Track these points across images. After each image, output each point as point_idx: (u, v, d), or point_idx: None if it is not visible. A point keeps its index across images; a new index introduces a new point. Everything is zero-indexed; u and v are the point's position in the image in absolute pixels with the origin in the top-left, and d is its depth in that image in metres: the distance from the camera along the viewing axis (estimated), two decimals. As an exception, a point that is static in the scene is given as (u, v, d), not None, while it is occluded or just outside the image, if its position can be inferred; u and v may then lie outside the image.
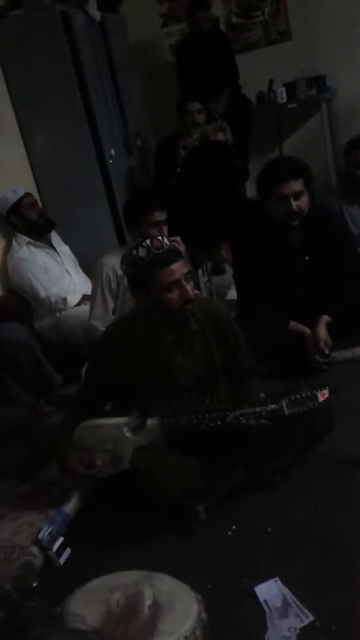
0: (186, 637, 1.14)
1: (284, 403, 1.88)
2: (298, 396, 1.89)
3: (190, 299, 1.94)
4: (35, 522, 2.06)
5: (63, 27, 3.75)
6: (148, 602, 1.19)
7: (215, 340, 2.06)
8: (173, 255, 1.94)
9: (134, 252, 1.93)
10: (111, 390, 2.12)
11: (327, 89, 4.92)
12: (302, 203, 2.72)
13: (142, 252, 1.92)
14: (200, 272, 3.94)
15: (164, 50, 5.27)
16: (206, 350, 2.06)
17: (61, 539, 1.97)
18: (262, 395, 1.95)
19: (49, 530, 1.97)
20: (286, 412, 1.88)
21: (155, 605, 1.15)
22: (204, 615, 1.24)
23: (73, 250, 3.77)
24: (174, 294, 1.92)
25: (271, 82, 4.93)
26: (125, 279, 2.81)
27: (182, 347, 2.04)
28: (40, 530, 1.97)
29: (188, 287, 1.93)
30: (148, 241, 1.93)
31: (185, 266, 1.96)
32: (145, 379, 2.01)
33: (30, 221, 3.44)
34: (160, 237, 1.97)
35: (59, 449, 2.06)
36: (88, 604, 1.22)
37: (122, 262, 2.02)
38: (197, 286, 2.81)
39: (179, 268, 1.92)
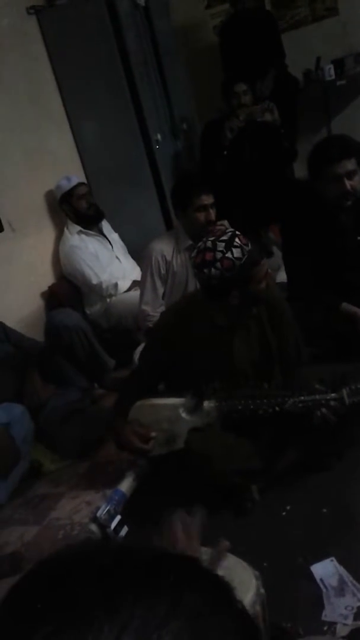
0: (246, 611, 1.16)
1: (344, 392, 1.87)
2: (359, 386, 1.88)
3: (272, 283, 1.98)
4: (93, 500, 2.13)
5: (108, 14, 3.76)
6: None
7: (271, 324, 2.07)
8: (261, 249, 1.96)
9: (229, 254, 1.85)
10: (166, 372, 2.15)
11: (376, 64, 4.78)
12: (355, 183, 2.66)
13: (237, 252, 1.85)
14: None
15: (208, 31, 5.21)
16: (262, 336, 2.06)
17: (118, 517, 2.02)
18: (317, 386, 1.94)
19: (107, 508, 2.02)
20: (347, 401, 1.87)
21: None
22: (262, 590, 1.26)
23: (121, 236, 3.81)
24: (264, 283, 1.94)
25: (318, 59, 4.82)
26: (174, 264, 2.85)
27: (240, 332, 2.05)
28: (98, 508, 2.03)
29: (271, 272, 1.97)
30: (237, 240, 1.88)
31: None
32: (202, 362, 2.03)
33: (80, 211, 3.49)
34: (239, 234, 1.92)
35: (115, 425, 2.10)
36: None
37: (211, 266, 1.87)
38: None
39: (265, 260, 1.94)
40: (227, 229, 1.95)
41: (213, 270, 1.86)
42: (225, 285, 1.89)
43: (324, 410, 1.86)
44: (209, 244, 1.88)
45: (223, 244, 1.86)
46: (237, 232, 1.91)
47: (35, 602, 0.41)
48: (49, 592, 0.41)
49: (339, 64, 4.79)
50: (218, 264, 1.85)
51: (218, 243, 1.87)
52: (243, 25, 4.55)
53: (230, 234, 1.89)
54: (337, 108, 5.07)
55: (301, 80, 4.87)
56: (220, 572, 1.19)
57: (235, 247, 1.85)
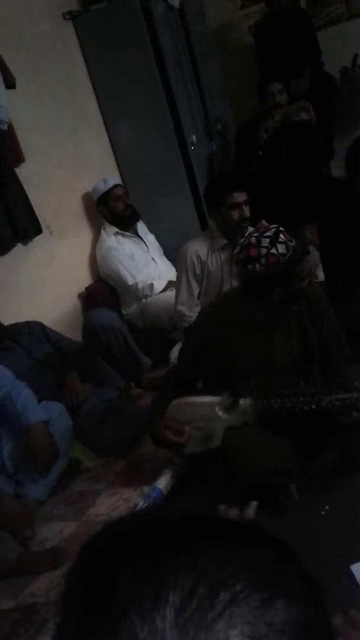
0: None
1: None
2: None
3: (314, 280, 1.96)
4: (131, 497, 2.14)
5: (143, 17, 3.79)
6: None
7: (312, 322, 2.05)
8: (304, 246, 1.94)
9: (274, 250, 1.82)
10: (204, 371, 2.15)
11: None
12: (395, 180, 2.63)
13: (282, 249, 1.82)
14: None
15: (242, 32, 5.20)
16: (303, 333, 2.05)
17: (156, 515, 2.03)
18: (356, 384, 1.92)
19: (145, 505, 2.04)
20: None
21: None
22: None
23: (157, 237, 3.84)
24: (306, 281, 1.96)
25: (355, 56, 4.76)
26: (209, 264, 2.85)
27: (280, 330, 2.04)
28: (136, 505, 2.05)
29: (313, 271, 1.96)
30: (282, 236, 1.85)
31: None
32: (241, 360, 2.02)
33: (116, 213, 3.52)
34: (283, 229, 1.89)
35: (152, 422, 2.12)
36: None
37: (255, 262, 1.84)
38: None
39: (309, 257, 1.92)
40: (270, 225, 1.93)
41: (257, 266, 1.83)
42: (268, 281, 1.85)
43: (356, 413, 1.84)
44: (252, 240, 1.86)
45: (268, 239, 1.83)
46: (281, 228, 1.87)
47: (113, 552, 0.42)
48: (125, 544, 0.42)
49: (376, 61, 4.72)
50: (263, 260, 1.82)
51: (262, 239, 1.84)
52: (278, 25, 4.52)
53: (274, 230, 1.86)
54: (375, 106, 5.00)
55: (338, 78, 4.81)
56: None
57: (280, 243, 1.82)
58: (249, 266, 1.85)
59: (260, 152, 3.88)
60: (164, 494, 2.15)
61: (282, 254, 1.81)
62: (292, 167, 3.81)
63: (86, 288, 3.52)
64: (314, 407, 1.90)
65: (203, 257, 2.87)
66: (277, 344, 2.03)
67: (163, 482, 2.19)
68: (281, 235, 1.84)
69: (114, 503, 2.16)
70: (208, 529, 0.44)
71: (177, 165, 4.01)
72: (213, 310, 2.19)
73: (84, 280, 3.58)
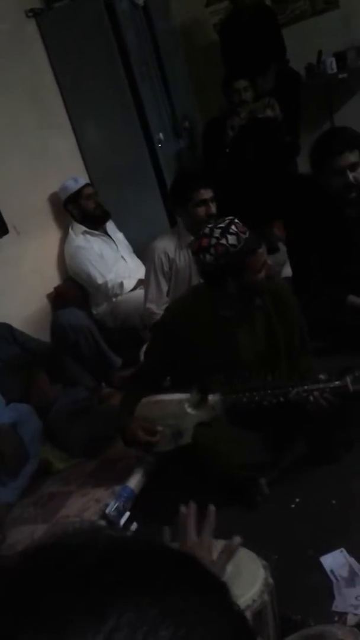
0: (254, 601, 1.16)
1: (348, 380, 1.87)
2: None
3: (273, 274, 1.96)
4: (102, 498, 2.13)
5: (107, 15, 3.77)
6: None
7: (277, 316, 2.06)
8: (257, 238, 1.94)
9: (223, 241, 1.86)
10: (172, 367, 2.15)
11: (378, 57, 4.75)
12: (358, 174, 2.65)
13: (232, 239, 1.86)
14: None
15: (208, 29, 5.21)
16: (268, 327, 2.06)
17: (128, 514, 2.03)
18: (321, 376, 1.93)
19: (116, 505, 2.03)
20: (351, 388, 1.86)
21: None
22: (270, 580, 1.25)
23: (126, 236, 3.82)
24: (263, 274, 1.93)
25: (320, 53, 4.80)
26: (177, 261, 2.85)
27: (245, 324, 2.05)
28: (107, 505, 2.03)
29: (270, 264, 1.97)
30: (234, 227, 1.88)
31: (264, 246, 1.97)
32: (207, 355, 2.03)
33: (87, 212, 3.49)
34: (238, 221, 1.93)
35: (122, 422, 2.11)
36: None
37: (205, 252, 1.90)
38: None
39: (264, 248, 1.94)
40: (227, 218, 1.95)
41: (207, 256, 1.88)
42: (220, 272, 1.90)
43: (324, 398, 1.85)
44: (206, 230, 1.91)
45: (219, 230, 1.88)
46: (235, 220, 1.91)
47: (13, 607, 0.37)
48: (29, 595, 0.38)
49: (340, 57, 4.76)
50: (212, 250, 1.87)
51: (215, 230, 1.89)
52: (243, 22, 4.54)
53: (227, 221, 1.90)
54: (340, 102, 5.05)
55: (303, 74, 4.85)
56: (228, 564, 1.19)
57: (231, 234, 1.86)
58: (201, 256, 1.90)
59: (227, 149, 3.90)
60: (135, 493, 2.14)
61: (232, 245, 1.85)
62: (259, 163, 3.83)
63: (55, 288, 3.49)
64: (282, 399, 1.91)
65: (171, 255, 2.86)
66: (243, 337, 2.04)
67: (134, 481, 2.18)
68: (232, 227, 1.87)
69: (85, 504, 2.14)
70: (127, 573, 0.40)
71: (144, 163, 4.00)
72: (179, 305, 2.19)
73: (53, 280, 3.54)
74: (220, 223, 1.91)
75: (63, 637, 0.35)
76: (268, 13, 4.73)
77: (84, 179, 3.60)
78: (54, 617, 0.36)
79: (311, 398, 1.87)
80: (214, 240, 1.87)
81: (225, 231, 1.87)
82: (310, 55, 4.80)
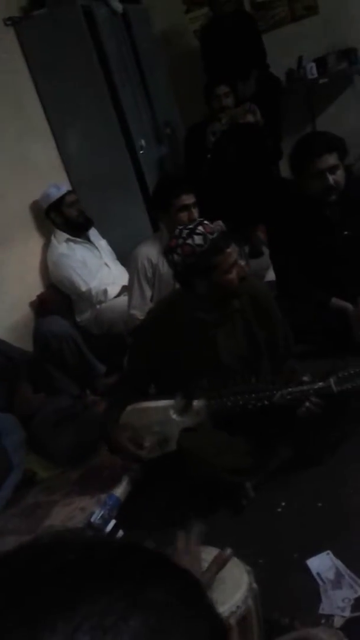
0: (238, 607, 1.15)
1: (331, 381, 1.87)
2: (346, 373, 1.88)
3: (246, 275, 1.98)
4: (88, 506, 2.11)
5: (86, 22, 3.77)
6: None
7: (257, 319, 2.06)
8: (227, 237, 1.94)
9: (190, 241, 1.89)
10: (154, 373, 2.14)
11: (358, 61, 4.80)
12: (338, 177, 2.66)
13: (198, 239, 1.88)
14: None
15: (189, 36, 5.23)
16: (248, 330, 2.06)
17: (113, 522, 2.01)
18: (305, 378, 1.93)
19: (101, 513, 2.00)
20: (334, 389, 1.86)
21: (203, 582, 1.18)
22: (254, 585, 1.24)
23: (110, 242, 3.81)
24: (233, 274, 1.93)
25: (300, 58, 4.85)
26: (160, 267, 2.84)
27: (225, 327, 2.05)
28: (92, 514, 2.01)
29: (242, 264, 1.98)
30: (201, 227, 1.90)
31: (236, 247, 1.99)
32: (188, 360, 2.02)
33: (70, 219, 3.48)
34: (207, 222, 1.96)
35: (107, 431, 2.09)
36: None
37: (173, 252, 1.94)
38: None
39: (234, 249, 1.94)
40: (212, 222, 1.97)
41: (175, 256, 1.92)
42: (188, 272, 1.93)
43: (308, 403, 1.85)
44: (176, 232, 1.95)
45: (187, 231, 1.91)
46: (204, 221, 1.93)
47: None
48: (6, 588, 0.40)
49: (321, 62, 4.82)
50: (179, 250, 1.90)
51: (183, 231, 1.92)
52: (222, 28, 4.57)
53: (196, 222, 1.93)
54: (321, 106, 5.10)
55: (284, 79, 4.89)
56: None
57: (198, 234, 1.88)
58: (169, 256, 1.94)
59: (209, 155, 3.90)
60: (121, 501, 2.12)
61: (198, 245, 1.87)
62: (241, 169, 3.84)
63: (38, 296, 3.46)
64: (266, 402, 1.91)
65: (154, 260, 2.85)
66: (222, 340, 2.04)
67: (120, 489, 2.16)
68: (200, 227, 1.90)
69: (70, 513, 2.12)
70: (100, 568, 0.42)
71: (126, 170, 3.99)
72: (159, 309, 2.20)
73: (35, 288, 3.52)
74: (190, 225, 1.93)
75: (36, 627, 0.37)
76: (248, 19, 4.77)
77: (66, 187, 3.59)
78: (28, 608, 0.38)
79: (304, 408, 1.87)
80: (181, 241, 1.90)
81: (192, 232, 1.90)
82: (291, 60, 4.85)
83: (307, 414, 1.89)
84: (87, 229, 3.58)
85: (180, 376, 2.03)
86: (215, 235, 1.90)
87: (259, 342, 2.06)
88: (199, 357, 2.01)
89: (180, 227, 1.95)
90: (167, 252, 1.96)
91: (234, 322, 2.05)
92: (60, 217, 3.48)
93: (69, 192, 3.54)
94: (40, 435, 2.47)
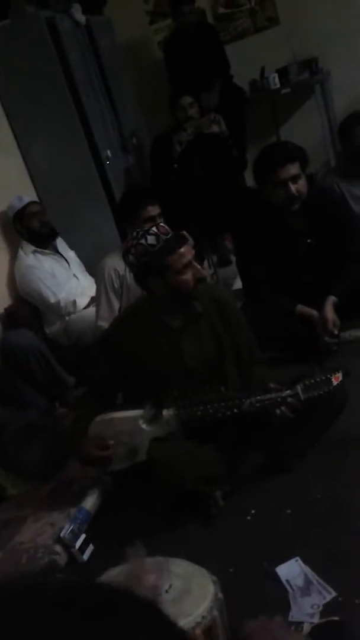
0: (203, 617, 1.16)
1: (299, 388, 1.89)
2: (312, 381, 1.91)
3: (203, 277, 2.01)
4: (57, 521, 2.09)
5: (49, 34, 3.77)
6: (165, 586, 1.20)
7: (222, 323, 2.09)
8: (181, 238, 1.99)
9: (143, 241, 1.95)
10: (121, 380, 2.14)
11: (319, 71, 4.89)
12: (300, 186, 2.71)
13: (151, 239, 1.95)
14: (206, 264, 3.95)
15: (153, 47, 5.27)
16: (213, 334, 2.09)
17: (83, 536, 2.00)
18: (272, 385, 1.95)
19: (71, 528, 1.99)
20: (302, 397, 1.89)
21: (169, 593, 1.17)
22: (220, 595, 1.25)
23: (78, 253, 3.79)
24: (188, 275, 1.97)
25: (263, 69, 4.91)
26: (127, 278, 2.85)
27: (189, 331, 2.08)
28: (62, 529, 2.00)
29: (198, 267, 2.00)
30: (154, 228, 1.97)
31: (191, 248, 2.03)
32: (154, 365, 2.04)
33: (32, 230, 3.45)
34: (163, 224, 2.03)
35: (75, 442, 2.08)
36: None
37: (128, 253, 2.01)
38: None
39: (188, 250, 1.98)
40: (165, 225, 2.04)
41: (130, 257, 1.99)
42: (143, 272, 1.99)
43: (282, 408, 1.87)
44: (133, 234, 2.01)
45: (142, 232, 1.97)
46: (160, 223, 2.02)
47: None
48: None
49: (283, 72, 4.88)
50: (133, 250, 1.97)
51: (138, 232, 1.98)
52: (186, 39, 4.62)
53: (152, 225, 2.00)
54: (285, 115, 5.17)
55: (248, 90, 4.95)
56: (177, 580, 1.18)
57: (150, 234, 1.95)
58: (125, 257, 2.02)
59: (175, 165, 3.93)
60: (91, 514, 2.11)
61: (150, 245, 1.94)
62: (207, 178, 3.87)
63: (5, 309, 3.43)
64: (235, 411, 1.92)
65: (121, 272, 2.86)
66: (187, 344, 2.07)
67: (90, 502, 2.16)
68: (153, 228, 1.97)
69: (39, 529, 2.09)
70: (72, 621, 0.42)
71: (93, 181, 3.99)
72: (124, 316, 2.23)
73: (3, 301, 3.48)
74: (146, 227, 2.00)
75: None
76: (211, 30, 4.82)
77: (28, 197, 3.56)
78: None
79: (278, 411, 1.89)
80: (135, 242, 1.97)
81: (146, 232, 1.96)
82: (254, 71, 4.91)
83: (280, 419, 1.91)
84: (51, 240, 3.55)
85: (147, 382, 2.05)
86: (168, 236, 1.96)
87: (224, 345, 2.09)
88: (164, 361, 2.04)
89: (137, 230, 2.02)
90: (123, 253, 2.03)
91: (199, 326, 2.08)
92: (24, 229, 3.46)
93: (31, 203, 3.50)
94: (9, 450, 2.44)
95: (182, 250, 1.95)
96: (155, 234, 1.95)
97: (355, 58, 4.88)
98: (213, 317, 2.08)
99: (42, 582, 0.48)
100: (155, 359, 2.04)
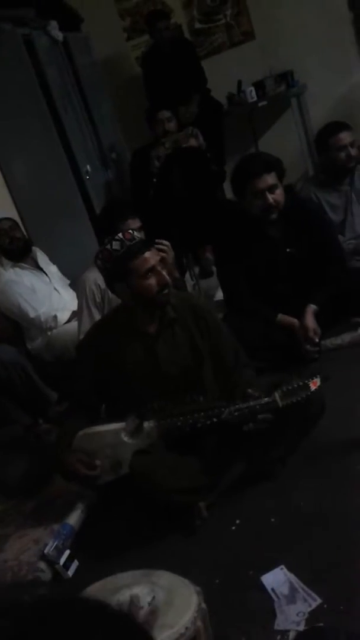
0: (187, 628, 1.15)
1: (276, 395, 1.90)
2: (290, 387, 1.91)
3: (167, 283, 2.03)
4: (41, 538, 2.06)
5: (27, 51, 3.80)
6: (148, 598, 1.19)
7: (198, 330, 2.10)
8: (145, 244, 2.03)
9: (108, 246, 2.01)
10: (103, 392, 2.14)
11: (295, 84, 4.97)
12: (277, 196, 2.74)
13: (115, 245, 2.00)
14: (188, 276, 3.96)
15: (131, 63, 5.33)
16: (190, 340, 2.10)
17: (68, 552, 1.97)
18: (249, 391, 1.96)
19: (55, 544, 1.97)
20: (280, 404, 1.89)
21: (152, 606, 1.16)
22: (203, 606, 1.24)
23: (60, 267, 3.79)
24: (152, 280, 2.00)
25: (240, 82, 4.98)
26: (108, 291, 2.85)
27: (164, 337, 2.09)
28: (45, 545, 1.98)
29: (164, 273, 2.02)
30: (120, 234, 2.02)
31: (157, 254, 2.08)
32: (131, 371, 2.05)
33: (2, 247, 3.44)
34: (130, 230, 2.09)
35: (59, 457, 2.06)
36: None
37: (96, 258, 2.08)
38: (179, 285, 2.82)
39: (152, 255, 2.02)
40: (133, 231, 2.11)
41: (98, 262, 2.08)
42: (109, 276, 2.07)
43: (252, 423, 1.88)
44: (105, 241, 2.07)
45: (109, 238, 2.04)
46: (129, 230, 2.08)
47: None
48: None
49: (259, 85, 4.96)
50: (100, 255, 2.04)
51: (106, 239, 2.06)
52: (163, 55, 4.68)
53: (124, 232, 2.04)
54: (263, 128, 5.24)
55: (225, 103, 5.01)
56: (160, 592, 1.17)
57: (116, 240, 2.01)
58: (95, 262, 2.11)
59: (155, 179, 3.95)
60: (75, 530, 2.09)
61: (114, 250, 2.00)
62: (186, 192, 3.89)
63: (-14, 325, 3.41)
64: (215, 420, 1.92)
65: (102, 285, 2.84)
66: (162, 350, 2.08)
67: (74, 518, 2.14)
68: (120, 235, 2.02)
69: (23, 546, 2.06)
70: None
71: (73, 195, 4.01)
72: (100, 324, 2.25)
73: (-15, 317, 3.46)
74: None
75: None
76: (187, 45, 4.89)
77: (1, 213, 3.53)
78: None
79: (250, 425, 1.90)
80: (102, 247, 2.05)
81: (112, 239, 2.02)
82: (231, 84, 4.98)
83: (254, 429, 1.91)
84: (24, 256, 3.51)
85: (125, 389, 2.06)
86: (134, 241, 2.00)
87: (201, 352, 2.09)
88: (141, 367, 2.05)
89: (107, 238, 2.07)
90: (94, 259, 2.12)
91: (174, 332, 2.09)
92: None
93: (1, 220, 3.48)
94: (-9, 468, 2.42)
95: (145, 255, 1.99)
96: (120, 240, 2.00)
97: (330, 70, 4.97)
98: (189, 323, 2.10)
99: (18, 598, 0.48)
100: (132, 365, 2.06)
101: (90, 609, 0.46)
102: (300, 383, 1.90)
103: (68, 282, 3.75)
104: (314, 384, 1.92)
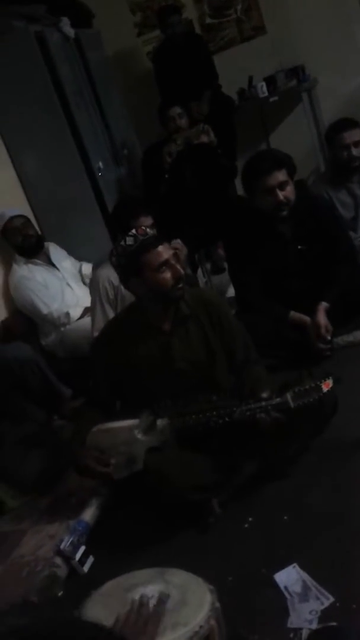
0: (201, 627, 1.17)
1: (288, 396, 1.91)
2: (302, 388, 1.92)
3: (181, 277, 2.05)
4: (57, 533, 2.10)
5: (39, 48, 3.81)
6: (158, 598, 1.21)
7: (211, 325, 2.12)
8: (158, 238, 2.06)
9: (122, 242, 2.04)
10: (117, 389, 2.17)
11: (306, 79, 4.95)
12: (288, 193, 2.74)
13: (129, 240, 2.03)
14: (200, 272, 3.98)
15: (142, 58, 5.33)
16: (203, 336, 2.12)
17: (83, 548, 2.01)
18: (263, 394, 1.97)
19: (71, 540, 2.00)
20: (291, 405, 1.90)
21: (161, 602, 1.19)
22: (217, 604, 1.26)
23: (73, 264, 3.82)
24: (166, 274, 2.02)
25: (250, 78, 4.97)
26: (121, 288, 2.87)
27: (178, 333, 2.11)
28: (61, 541, 2.01)
29: (177, 266, 2.04)
30: (133, 230, 2.05)
31: (170, 248, 2.10)
32: (145, 367, 2.08)
33: (15, 245, 3.47)
34: (143, 227, 2.11)
35: (74, 453, 2.09)
36: (104, 606, 1.26)
37: (111, 255, 2.10)
38: (191, 282, 2.84)
39: (165, 249, 2.04)
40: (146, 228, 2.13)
41: (113, 259, 2.10)
42: (123, 272, 2.09)
43: (271, 415, 1.89)
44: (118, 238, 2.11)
45: (124, 235, 2.06)
46: (141, 227, 2.10)
47: None
48: None
49: (270, 80, 4.94)
50: (114, 252, 2.07)
51: (121, 236, 2.08)
52: (174, 50, 4.67)
53: (137, 228, 2.07)
54: (274, 123, 5.23)
55: (236, 99, 5.00)
56: (174, 590, 1.20)
57: (130, 236, 2.03)
58: (110, 260, 2.14)
59: (167, 175, 3.96)
60: (90, 526, 2.12)
61: (128, 245, 2.02)
62: (198, 188, 3.91)
63: (1, 322, 3.44)
64: (227, 419, 1.94)
65: (115, 282, 2.87)
66: (177, 346, 2.10)
67: (89, 514, 2.16)
68: (134, 230, 2.05)
69: (39, 541, 2.10)
70: None
71: (86, 192, 4.02)
72: (114, 322, 2.27)
73: (0, 313, 3.50)
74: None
75: None
76: (198, 41, 4.88)
77: (11, 212, 3.52)
78: None
79: (261, 417, 1.91)
80: (116, 244, 2.07)
81: (126, 235, 2.05)
82: (242, 80, 4.96)
83: (268, 426, 1.93)
84: (37, 252, 3.54)
85: (139, 386, 2.09)
86: (147, 236, 2.03)
87: (214, 348, 2.11)
88: (155, 363, 2.08)
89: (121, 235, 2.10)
90: (109, 256, 2.14)
91: (188, 328, 2.11)
92: (9, 242, 3.49)
93: (12, 218, 3.49)
94: (7, 464, 2.45)
95: (158, 249, 2.02)
96: (133, 235, 2.03)
97: (341, 64, 4.95)
98: (202, 319, 2.12)
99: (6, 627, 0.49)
100: (146, 361, 2.08)
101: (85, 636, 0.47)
102: (313, 384, 1.91)
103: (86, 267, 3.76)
104: (326, 385, 1.93)
